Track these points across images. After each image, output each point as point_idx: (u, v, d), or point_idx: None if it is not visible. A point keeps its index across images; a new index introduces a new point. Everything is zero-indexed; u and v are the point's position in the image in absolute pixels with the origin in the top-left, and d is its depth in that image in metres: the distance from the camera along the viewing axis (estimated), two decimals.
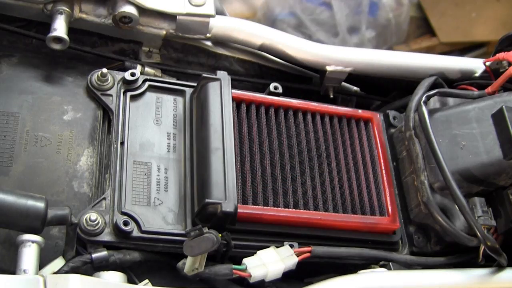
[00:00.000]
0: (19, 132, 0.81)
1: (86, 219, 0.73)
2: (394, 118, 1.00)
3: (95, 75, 0.87)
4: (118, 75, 0.88)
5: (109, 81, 0.87)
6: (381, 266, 0.85)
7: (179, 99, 0.90)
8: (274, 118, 0.89)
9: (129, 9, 0.90)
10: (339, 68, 1.04)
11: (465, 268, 0.86)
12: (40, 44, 0.90)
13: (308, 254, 0.80)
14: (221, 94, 0.85)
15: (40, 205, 0.69)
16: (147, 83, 0.88)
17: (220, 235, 0.74)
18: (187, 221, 0.79)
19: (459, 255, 0.91)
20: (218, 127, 0.81)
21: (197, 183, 0.81)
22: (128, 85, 0.87)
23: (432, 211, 0.86)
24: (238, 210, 0.77)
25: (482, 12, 2.48)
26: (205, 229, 0.73)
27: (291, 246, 0.80)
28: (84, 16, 0.92)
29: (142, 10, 0.91)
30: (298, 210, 0.82)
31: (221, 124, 0.81)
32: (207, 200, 0.76)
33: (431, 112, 0.94)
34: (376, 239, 0.87)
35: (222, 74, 0.87)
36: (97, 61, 0.93)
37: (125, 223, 0.75)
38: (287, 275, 0.79)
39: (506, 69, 1.01)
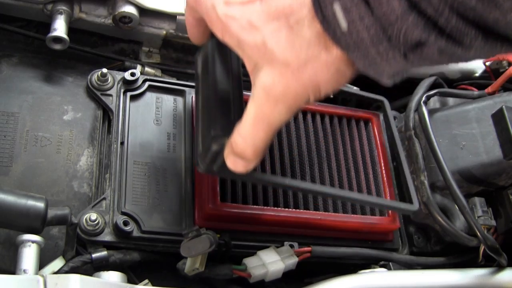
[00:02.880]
0: (19, 132, 0.81)
1: (86, 219, 0.73)
2: (394, 118, 1.00)
3: (95, 75, 0.87)
4: (118, 75, 0.88)
5: (109, 81, 0.87)
6: (381, 266, 0.85)
7: (179, 99, 0.90)
8: None
9: (129, 9, 0.90)
10: None
11: (465, 268, 0.86)
12: (40, 44, 0.90)
13: (308, 254, 0.80)
14: None
15: (40, 205, 0.69)
16: (147, 83, 0.88)
17: (219, 235, 0.74)
18: (187, 221, 0.79)
19: (459, 255, 0.91)
20: None
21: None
22: (128, 85, 0.87)
23: (432, 211, 0.86)
24: (238, 210, 0.77)
25: None
26: (203, 230, 0.73)
27: (291, 246, 0.80)
28: (84, 16, 0.92)
29: (142, 10, 0.91)
30: (298, 210, 0.82)
31: None
32: None
33: (431, 112, 0.93)
34: (376, 239, 0.87)
35: None
36: (97, 61, 0.93)
37: (125, 223, 0.75)
38: (287, 275, 0.80)
39: (506, 69, 1.02)
